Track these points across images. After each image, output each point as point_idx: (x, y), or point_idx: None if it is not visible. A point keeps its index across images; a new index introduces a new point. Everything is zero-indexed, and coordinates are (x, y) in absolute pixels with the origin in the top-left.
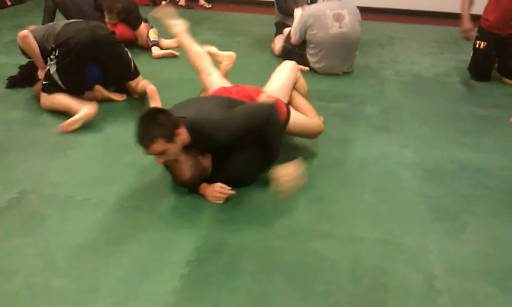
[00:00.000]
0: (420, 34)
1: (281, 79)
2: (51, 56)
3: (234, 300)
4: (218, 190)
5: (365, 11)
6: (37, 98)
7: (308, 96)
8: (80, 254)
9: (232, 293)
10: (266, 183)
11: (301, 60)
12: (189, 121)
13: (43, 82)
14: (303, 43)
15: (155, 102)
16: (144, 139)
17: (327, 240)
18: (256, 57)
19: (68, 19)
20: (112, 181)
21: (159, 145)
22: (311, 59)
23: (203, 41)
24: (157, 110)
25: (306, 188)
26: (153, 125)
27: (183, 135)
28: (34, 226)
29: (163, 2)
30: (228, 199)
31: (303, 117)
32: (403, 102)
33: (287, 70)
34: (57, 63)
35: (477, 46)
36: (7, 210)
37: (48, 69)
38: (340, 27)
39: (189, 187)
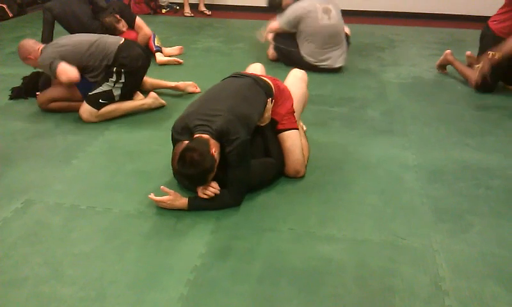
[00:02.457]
0: (420, 36)
1: (296, 93)
2: (112, 78)
3: (241, 305)
4: (211, 189)
5: (365, 15)
6: (42, 108)
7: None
8: (86, 262)
9: (239, 298)
10: (269, 188)
11: (298, 59)
12: (219, 128)
13: (100, 101)
14: (296, 42)
15: (194, 87)
16: (199, 183)
17: (332, 243)
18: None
19: (69, 30)
20: (116, 189)
21: (210, 177)
22: (304, 53)
23: (204, 49)
24: (191, 152)
25: (310, 192)
26: (198, 169)
27: (216, 150)
28: (40, 235)
29: (163, 11)
30: None
31: (295, 144)
32: (405, 104)
33: (299, 82)
34: (123, 88)
35: (490, 57)
36: (13, 220)
37: (111, 90)
38: (329, 18)
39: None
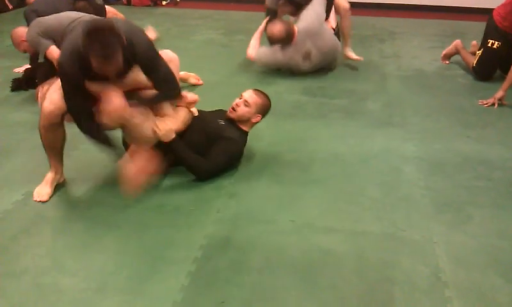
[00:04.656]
0: (421, 28)
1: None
2: None
3: (241, 295)
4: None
5: (366, 7)
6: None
7: None
8: (87, 254)
9: (239, 289)
10: (269, 179)
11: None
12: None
13: None
14: None
15: (196, 80)
16: (106, 51)
17: (332, 235)
18: None
19: None
20: (117, 180)
21: (119, 57)
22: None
23: (204, 41)
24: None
25: (309, 183)
26: (111, 36)
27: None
28: (40, 226)
29: (164, 3)
30: (232, 195)
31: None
32: (405, 96)
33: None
34: None
35: (489, 45)
36: (13, 212)
37: None
38: (311, 62)
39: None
